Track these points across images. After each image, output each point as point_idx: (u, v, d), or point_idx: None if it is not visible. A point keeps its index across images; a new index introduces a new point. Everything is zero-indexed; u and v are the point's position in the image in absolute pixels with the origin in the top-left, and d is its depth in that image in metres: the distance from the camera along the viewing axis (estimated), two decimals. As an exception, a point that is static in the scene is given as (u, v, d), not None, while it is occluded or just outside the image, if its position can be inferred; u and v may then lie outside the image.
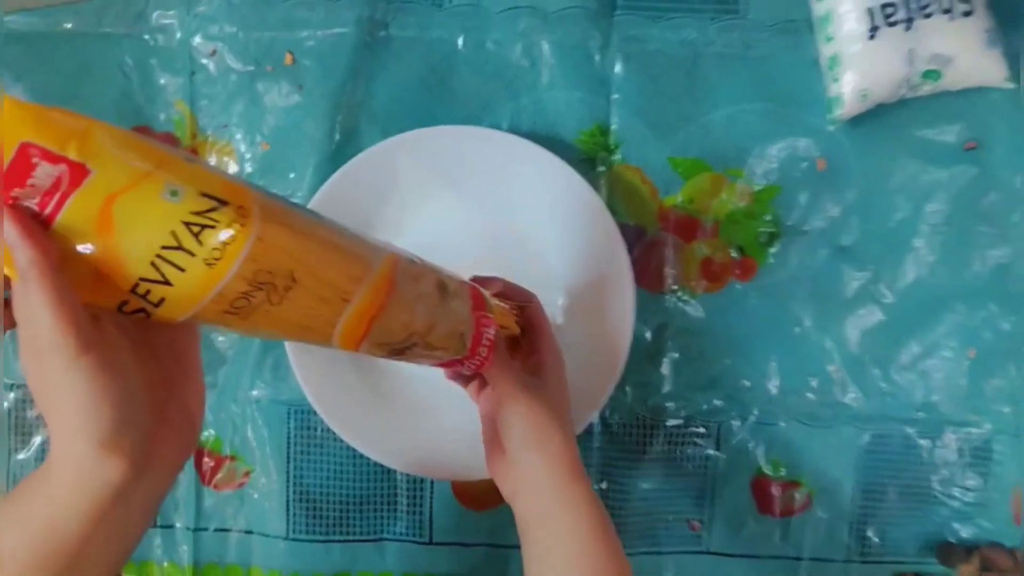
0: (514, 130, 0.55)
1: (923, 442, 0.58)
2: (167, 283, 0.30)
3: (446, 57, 0.56)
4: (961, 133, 0.56)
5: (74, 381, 0.29)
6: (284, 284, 0.31)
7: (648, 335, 0.57)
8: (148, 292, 0.30)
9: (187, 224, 0.29)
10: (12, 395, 0.58)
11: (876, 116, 0.55)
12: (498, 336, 0.42)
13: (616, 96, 0.56)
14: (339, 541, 0.58)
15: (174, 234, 0.29)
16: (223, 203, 0.29)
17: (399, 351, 0.38)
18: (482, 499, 0.58)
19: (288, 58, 0.55)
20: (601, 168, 0.56)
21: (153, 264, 0.29)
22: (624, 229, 0.55)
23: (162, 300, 0.30)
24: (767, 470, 0.58)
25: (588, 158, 0.56)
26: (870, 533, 0.58)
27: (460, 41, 0.56)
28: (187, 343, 0.35)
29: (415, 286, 0.37)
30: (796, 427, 0.57)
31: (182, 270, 0.29)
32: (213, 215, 0.29)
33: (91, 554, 0.31)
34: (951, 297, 0.57)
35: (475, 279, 0.44)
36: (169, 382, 0.33)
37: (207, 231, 0.29)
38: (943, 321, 0.57)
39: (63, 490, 0.30)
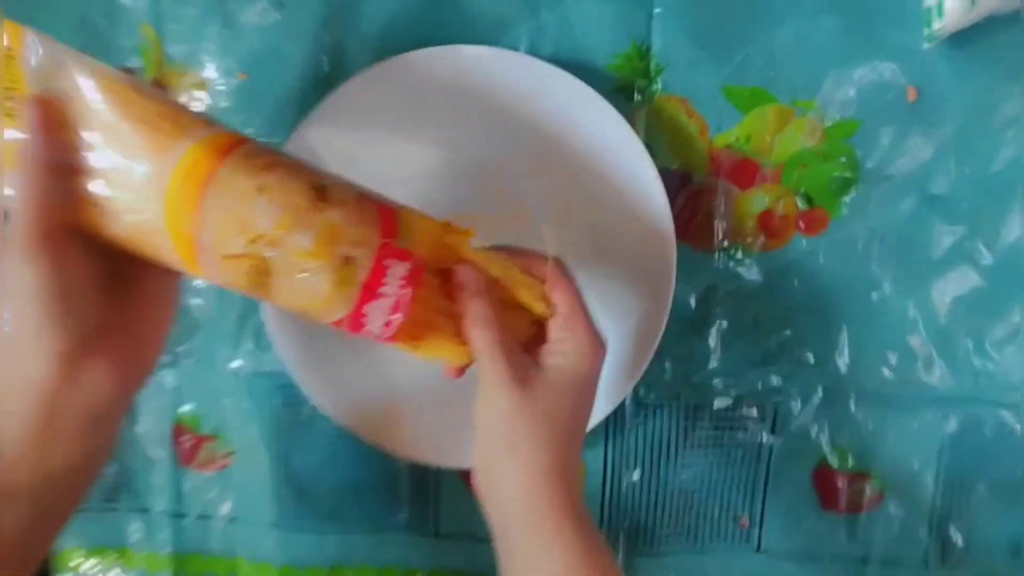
0: (534, 52, 0.48)
1: (1023, 428, 0.51)
2: None
3: (453, -35, 0.48)
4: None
5: (39, 268, 0.32)
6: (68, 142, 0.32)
7: (692, 300, 0.51)
8: None
9: None
10: None
11: (984, 32, 0.47)
12: (489, 301, 0.37)
13: (658, 9, 0.48)
14: (334, 532, 0.54)
15: None
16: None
17: (255, 270, 0.33)
18: None
19: (269, -28, 0.49)
20: (639, 98, 0.49)
21: None
22: (666, 173, 0.48)
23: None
24: (832, 460, 0.52)
25: (623, 86, 0.49)
26: (953, 534, 0.53)
27: (471, -56, 0.48)
28: (163, 285, 0.37)
29: (257, 176, 0.33)
30: (868, 410, 0.52)
31: None
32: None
33: (23, 471, 0.33)
34: (1064, 257, 0.50)
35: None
36: (128, 313, 0.35)
37: None
38: (1054, 285, 0.50)
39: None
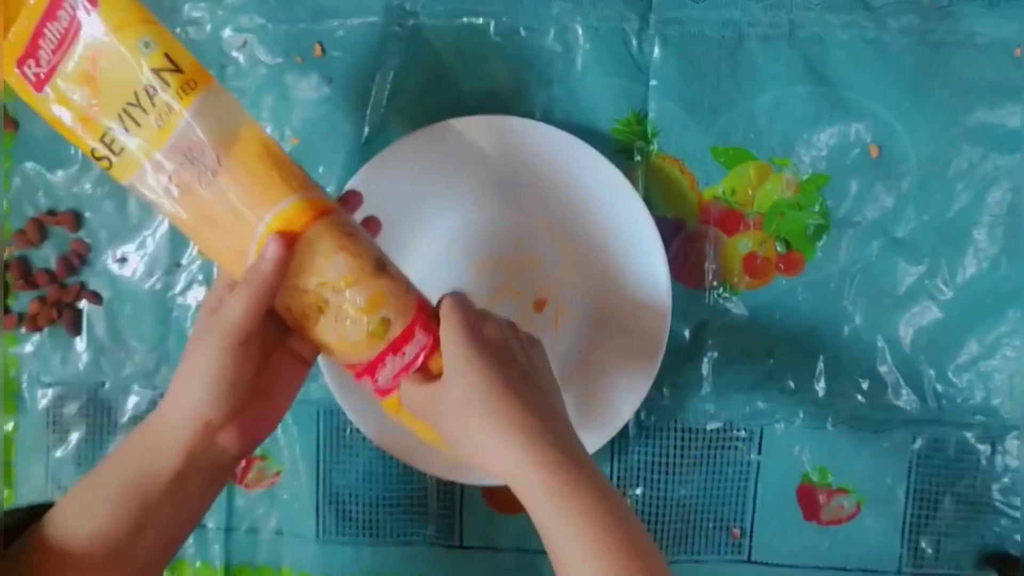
0: (547, 119, 0.53)
1: (982, 447, 0.55)
2: (126, 131, 0.37)
3: (477, 45, 0.54)
4: (1026, 115, 0.52)
5: (221, 360, 0.38)
6: (211, 168, 0.37)
7: (687, 334, 0.55)
8: (113, 141, 0.37)
9: (146, 87, 0.35)
10: (51, 392, 0.58)
11: (935, 97, 0.52)
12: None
13: (654, 82, 0.54)
14: (369, 543, 0.57)
15: (136, 93, 0.36)
16: (179, 71, 0.36)
17: (314, 306, 0.39)
18: (514, 503, 0.55)
19: (318, 49, 0.55)
20: (638, 158, 0.54)
21: (120, 115, 0.36)
22: (662, 223, 0.53)
23: (122, 150, 0.37)
24: (813, 476, 0.56)
25: (624, 148, 0.54)
26: (924, 544, 0.56)
27: (491, 27, 0.54)
28: (296, 372, 0.43)
29: (340, 238, 0.39)
30: (844, 431, 0.55)
31: (138, 124, 0.36)
32: (167, 75, 0.35)
33: (164, 512, 0.39)
34: (1014, 292, 0.54)
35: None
36: (263, 390, 0.41)
37: (159, 95, 0.36)
38: (1005, 318, 0.54)
39: (154, 444, 0.39)
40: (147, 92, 0.36)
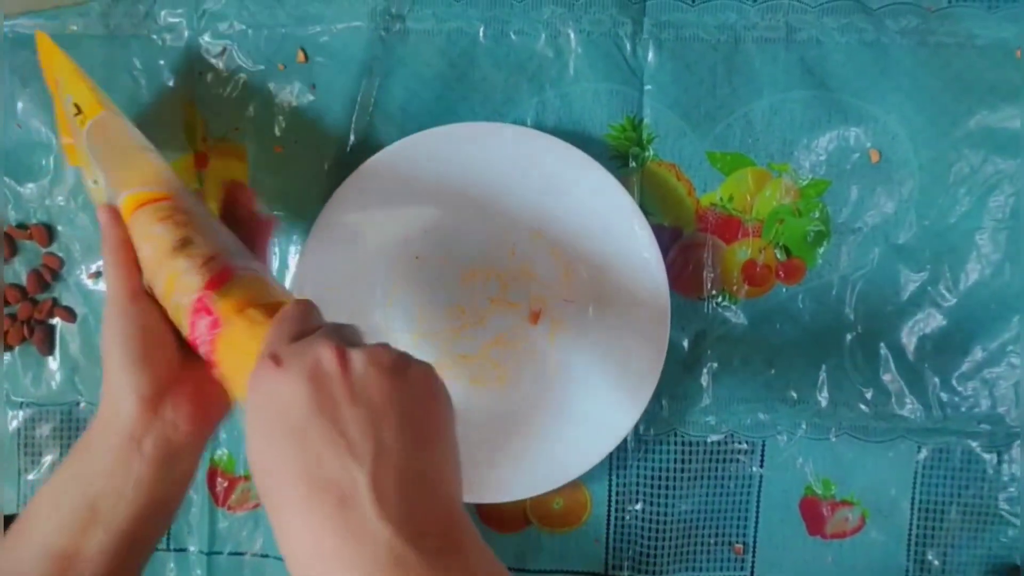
0: (539, 126, 0.52)
1: (988, 457, 0.54)
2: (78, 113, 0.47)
3: (466, 50, 0.53)
4: (1029, 119, 0.52)
5: (123, 322, 0.39)
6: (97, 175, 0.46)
7: (685, 344, 0.54)
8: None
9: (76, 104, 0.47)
10: (21, 413, 0.56)
11: (935, 100, 0.52)
12: None
13: (649, 87, 0.52)
14: None
15: (73, 105, 0.48)
16: (80, 112, 0.47)
17: (147, 284, 0.42)
18: (508, 521, 0.56)
19: (300, 55, 0.53)
20: (633, 165, 0.53)
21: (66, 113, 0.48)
22: (658, 230, 0.52)
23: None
24: (816, 489, 0.55)
25: (619, 154, 0.53)
26: (930, 556, 0.55)
27: (480, 32, 0.52)
28: None
29: (151, 223, 0.41)
30: (848, 442, 0.54)
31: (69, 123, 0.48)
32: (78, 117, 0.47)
33: (106, 508, 0.37)
34: (1018, 298, 0.53)
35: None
36: (196, 358, 0.39)
37: (77, 116, 0.47)
38: (1010, 325, 0.53)
39: (92, 435, 0.39)
40: (73, 110, 0.47)
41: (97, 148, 0.46)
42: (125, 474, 0.37)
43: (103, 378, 0.39)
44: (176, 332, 0.40)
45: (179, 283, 0.39)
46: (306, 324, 0.33)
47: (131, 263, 0.41)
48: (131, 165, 0.45)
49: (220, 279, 0.39)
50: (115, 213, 0.42)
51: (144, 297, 0.40)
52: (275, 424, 0.29)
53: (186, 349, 0.40)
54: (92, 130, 0.46)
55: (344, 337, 0.32)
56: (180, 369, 0.40)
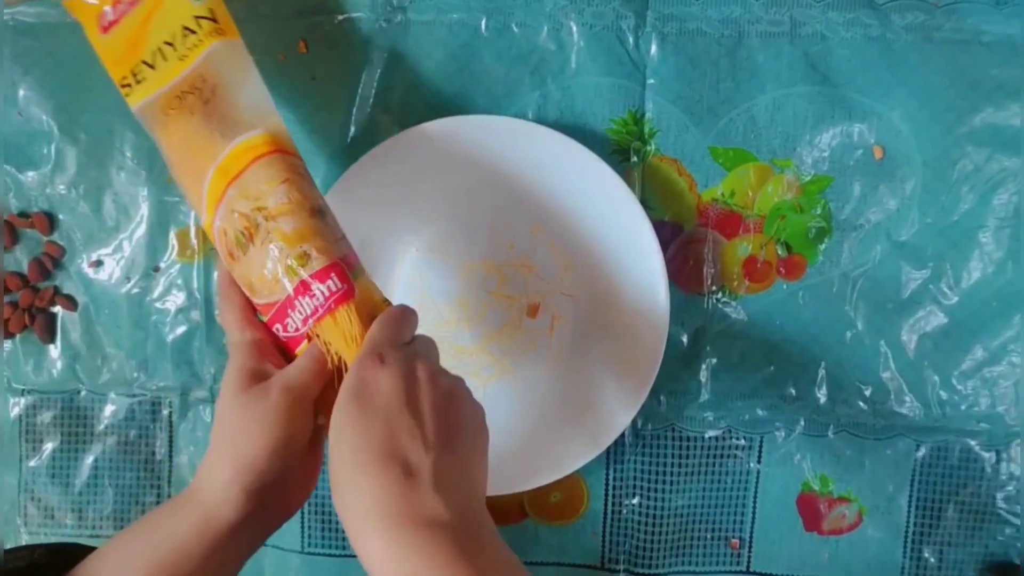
0: (540, 119, 0.52)
1: (986, 455, 0.54)
2: (152, 67, 0.44)
3: (467, 42, 0.52)
4: (1035, 117, 0.51)
5: (233, 412, 0.39)
6: (207, 94, 0.43)
7: (685, 339, 0.54)
8: (138, 73, 0.44)
9: (184, 27, 0.44)
10: (23, 401, 0.56)
11: (940, 97, 0.51)
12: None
13: (651, 81, 0.52)
14: (355, 556, 0.55)
15: (173, 34, 0.44)
16: (215, 20, 0.44)
17: (246, 232, 0.42)
18: (505, 513, 0.56)
19: (301, 46, 0.53)
20: (634, 159, 0.53)
21: (153, 52, 0.44)
22: (659, 225, 0.52)
23: (143, 79, 0.44)
24: (814, 485, 0.55)
25: (620, 149, 0.53)
26: (927, 554, 0.55)
27: (482, 24, 0.52)
28: (319, 454, 0.43)
29: (288, 173, 0.42)
30: (846, 439, 0.54)
31: (165, 59, 0.44)
32: (202, 23, 0.44)
33: None
34: (1020, 297, 0.53)
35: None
36: (297, 455, 0.40)
37: (191, 36, 0.43)
38: (1011, 324, 0.53)
39: (188, 523, 0.38)
40: (182, 32, 0.43)
41: (221, 69, 0.44)
42: (222, 561, 0.39)
43: (207, 458, 0.39)
44: (309, 430, 0.41)
45: (312, 239, 0.41)
46: (406, 331, 0.40)
47: (326, 366, 0.41)
48: (266, 106, 0.45)
49: (352, 258, 0.43)
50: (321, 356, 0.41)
51: (309, 404, 0.40)
52: (368, 404, 0.35)
53: (287, 450, 0.39)
54: (220, 49, 0.44)
55: (434, 355, 0.40)
56: (280, 474, 0.39)
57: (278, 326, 0.42)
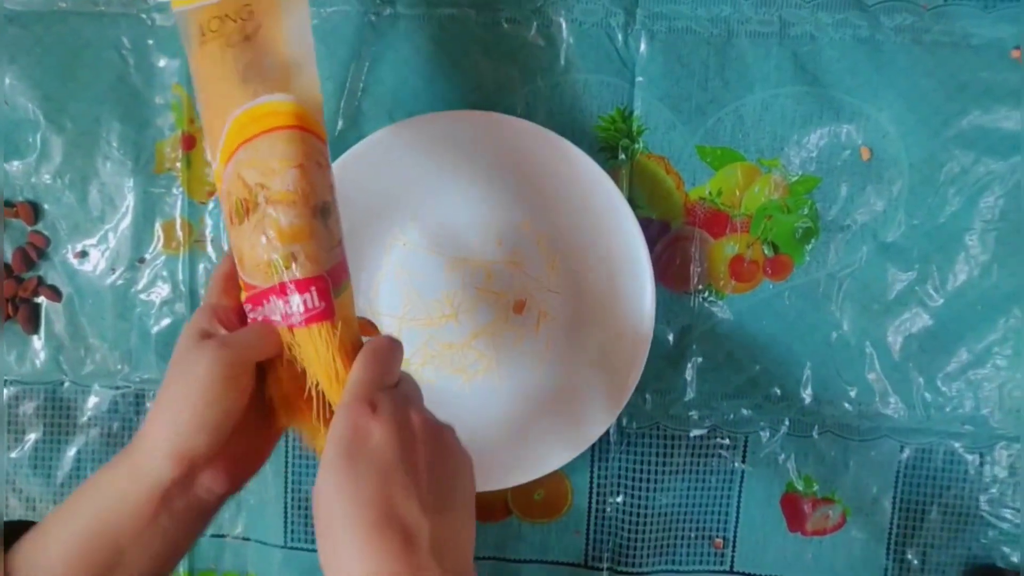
0: (529, 115, 0.52)
1: (970, 457, 0.54)
2: None
3: (456, 37, 0.52)
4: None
5: (215, 392, 0.36)
6: (249, 30, 0.40)
7: (670, 338, 0.54)
8: None
9: None
10: (5, 391, 0.56)
11: (928, 99, 0.51)
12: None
13: (640, 79, 0.52)
14: None
15: None
16: None
17: (245, 204, 0.39)
18: (489, 511, 0.56)
19: (291, 38, 0.52)
20: (622, 157, 0.53)
21: None
22: (646, 223, 0.52)
23: None
24: (798, 485, 0.55)
25: (608, 146, 0.53)
26: (910, 555, 0.55)
27: (472, 19, 0.52)
28: (269, 416, 0.41)
29: (305, 159, 0.39)
30: (831, 439, 0.54)
31: None
32: None
33: (132, 556, 0.36)
34: (1006, 300, 0.53)
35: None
36: (246, 436, 0.38)
37: None
38: (996, 326, 0.53)
39: (120, 477, 0.37)
40: None
41: (271, 6, 0.41)
42: (152, 527, 0.37)
43: (148, 420, 0.37)
44: (251, 398, 0.38)
45: (305, 241, 0.38)
46: (395, 370, 0.38)
47: (238, 301, 0.40)
48: (307, 73, 0.41)
49: (342, 271, 0.40)
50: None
51: (248, 377, 0.37)
52: (361, 460, 0.33)
53: (244, 418, 0.38)
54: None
55: (420, 396, 0.39)
56: (233, 438, 0.37)
57: (249, 306, 0.40)
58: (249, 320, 0.40)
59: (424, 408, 0.38)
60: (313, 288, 0.38)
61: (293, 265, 0.38)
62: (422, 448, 0.34)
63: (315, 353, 0.38)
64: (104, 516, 0.37)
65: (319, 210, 0.39)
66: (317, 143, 0.40)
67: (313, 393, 0.39)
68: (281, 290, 0.38)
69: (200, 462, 0.37)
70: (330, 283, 0.39)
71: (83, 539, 0.36)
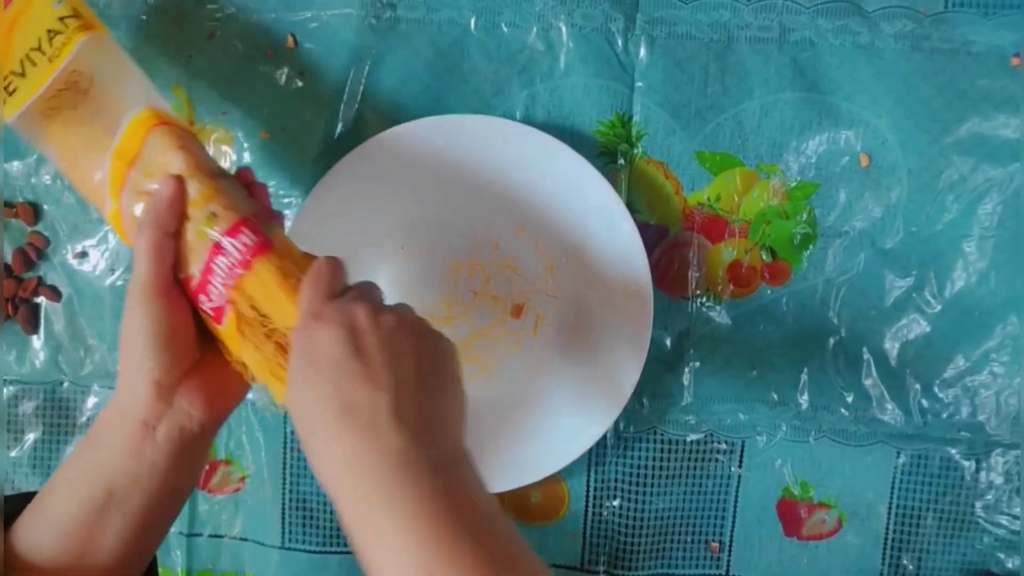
0: (528, 119, 0.52)
1: (966, 464, 0.54)
2: (22, 75, 0.43)
3: (456, 40, 0.52)
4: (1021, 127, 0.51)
5: (148, 313, 0.38)
6: (84, 84, 0.43)
7: (668, 342, 0.54)
8: (9, 84, 0.43)
9: (49, 31, 0.42)
10: (5, 391, 0.56)
11: (927, 106, 0.51)
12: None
13: (639, 84, 0.52)
14: (336, 552, 0.56)
15: (39, 39, 0.42)
16: (79, 17, 0.43)
17: None
18: None
19: (290, 41, 0.53)
20: (621, 162, 0.53)
21: (21, 60, 0.43)
22: (644, 229, 0.52)
23: (15, 89, 0.43)
24: (794, 490, 0.55)
25: (607, 151, 0.53)
26: (905, 561, 0.55)
27: (472, 23, 0.52)
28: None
29: (182, 140, 0.42)
30: (827, 445, 0.54)
31: (34, 65, 0.42)
32: (67, 22, 0.43)
33: (122, 495, 0.38)
34: (1003, 307, 0.53)
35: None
36: (220, 355, 0.41)
37: (58, 36, 0.42)
38: (993, 334, 0.53)
39: (107, 419, 0.39)
40: (48, 35, 0.42)
41: (93, 60, 0.43)
42: (139, 460, 0.38)
43: (119, 364, 0.40)
44: (196, 323, 0.40)
45: (217, 197, 0.40)
46: (337, 283, 0.38)
47: (170, 255, 0.40)
48: (144, 85, 0.45)
49: (269, 215, 0.42)
50: (179, 188, 0.40)
51: (174, 292, 0.40)
52: (316, 366, 0.34)
53: (204, 340, 0.40)
54: (90, 42, 0.43)
55: (374, 297, 0.38)
56: (197, 359, 0.40)
57: (203, 296, 0.40)
58: (209, 311, 0.40)
59: (373, 299, 0.38)
60: (244, 228, 0.39)
61: (217, 221, 0.39)
62: (371, 335, 0.35)
63: (266, 289, 0.39)
64: (92, 457, 0.39)
65: (216, 173, 0.41)
66: (186, 130, 0.43)
67: (281, 343, 0.39)
68: (218, 249, 0.39)
69: (166, 381, 0.38)
70: (255, 220, 0.40)
71: (76, 484, 0.38)
